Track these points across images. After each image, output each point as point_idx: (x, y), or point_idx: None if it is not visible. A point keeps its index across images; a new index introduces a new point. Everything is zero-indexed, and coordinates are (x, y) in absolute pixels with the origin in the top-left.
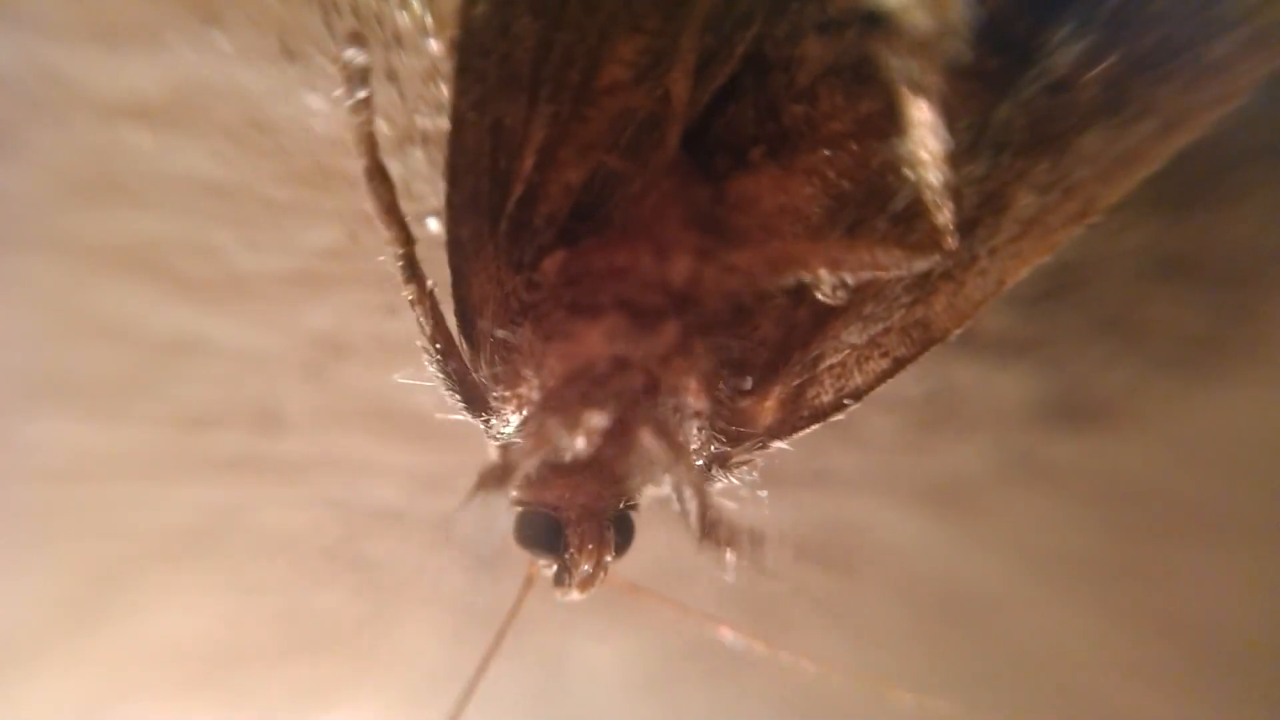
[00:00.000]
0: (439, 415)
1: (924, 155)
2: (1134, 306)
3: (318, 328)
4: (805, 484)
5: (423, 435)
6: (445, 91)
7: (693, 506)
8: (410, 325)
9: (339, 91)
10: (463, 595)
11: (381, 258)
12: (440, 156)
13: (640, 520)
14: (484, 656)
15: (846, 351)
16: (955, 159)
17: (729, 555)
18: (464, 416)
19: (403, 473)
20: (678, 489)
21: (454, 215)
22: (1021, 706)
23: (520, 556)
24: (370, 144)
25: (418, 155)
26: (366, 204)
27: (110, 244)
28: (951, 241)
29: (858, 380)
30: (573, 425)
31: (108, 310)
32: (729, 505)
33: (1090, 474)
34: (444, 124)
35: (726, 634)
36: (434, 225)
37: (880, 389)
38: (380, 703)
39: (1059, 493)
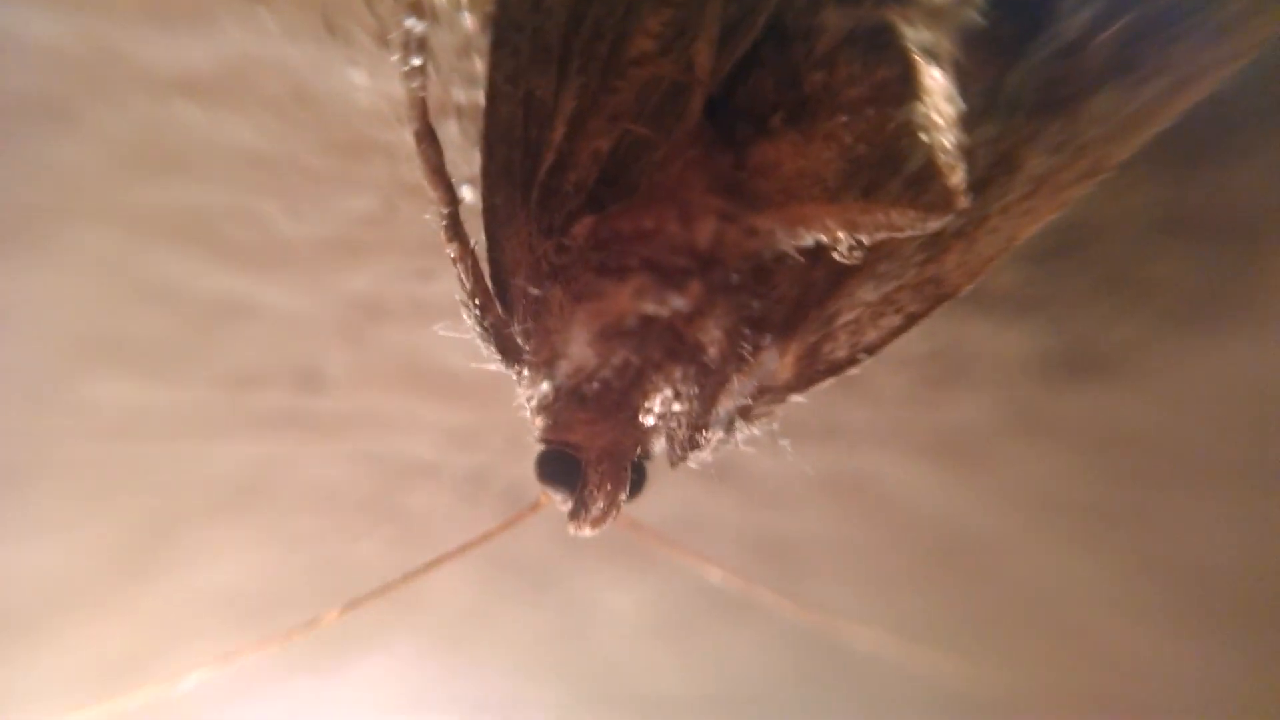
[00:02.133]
0: (474, 366)
1: (937, 119)
2: (1138, 263)
3: (356, 291)
4: (816, 437)
5: (455, 393)
6: (479, 65)
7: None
8: (443, 287)
9: (395, 58)
10: (493, 544)
11: (417, 224)
12: (473, 128)
13: (657, 472)
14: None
15: (861, 308)
16: (968, 122)
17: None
18: (498, 367)
19: (436, 428)
20: (690, 435)
21: (489, 183)
22: (1022, 649)
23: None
24: (421, 109)
25: (452, 127)
26: (411, 168)
27: (161, 213)
28: (963, 201)
29: (872, 335)
30: (599, 373)
31: (159, 276)
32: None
33: (1091, 425)
34: (477, 97)
35: (735, 581)
36: (468, 193)
37: (891, 345)
38: (414, 646)
39: (1061, 444)
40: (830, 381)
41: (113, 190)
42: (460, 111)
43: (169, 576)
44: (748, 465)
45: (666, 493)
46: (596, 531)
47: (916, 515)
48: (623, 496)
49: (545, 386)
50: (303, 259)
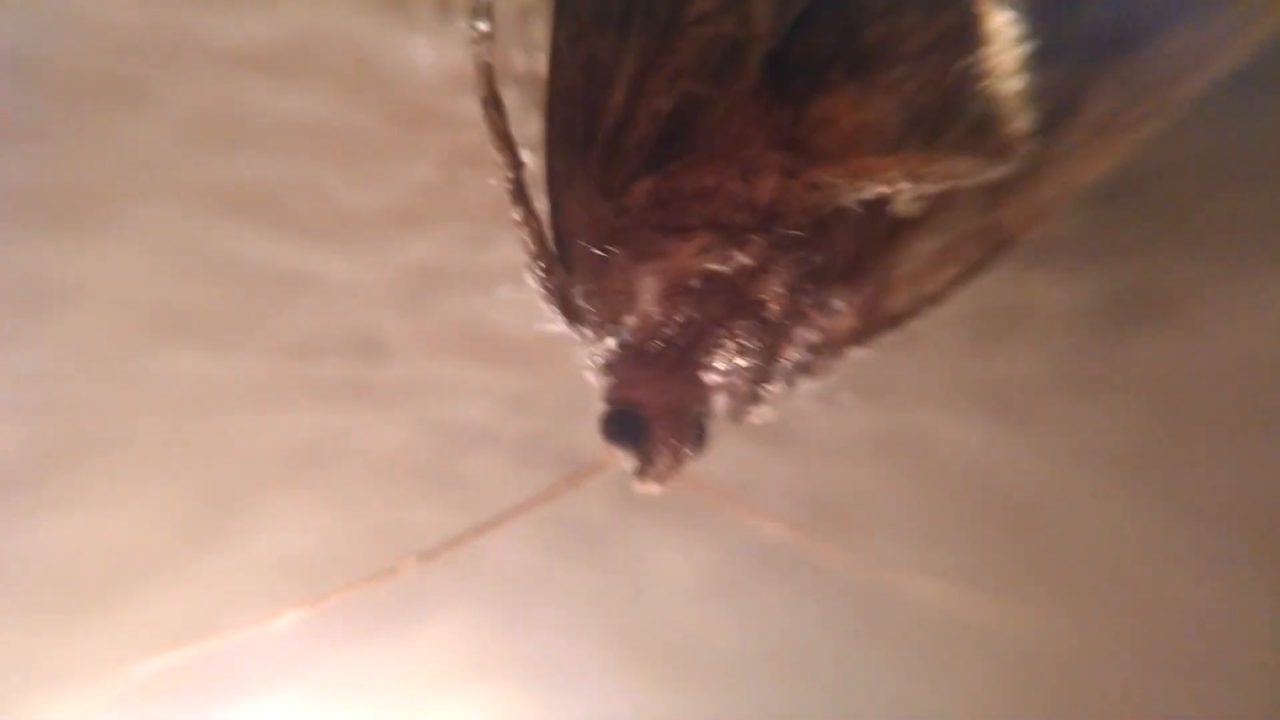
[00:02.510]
0: (531, 329)
1: (1002, 65)
2: (1194, 208)
3: (416, 260)
4: (868, 394)
5: (511, 358)
6: (538, 31)
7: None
8: (501, 254)
9: (461, 24)
10: (550, 507)
11: (476, 192)
12: (530, 94)
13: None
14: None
15: (921, 259)
16: (1031, 66)
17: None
18: (561, 329)
19: (492, 393)
20: (752, 390)
21: (550, 147)
22: (1078, 601)
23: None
24: (488, 74)
25: (511, 93)
26: (471, 137)
27: (227, 188)
28: (1026, 147)
29: (933, 286)
30: (662, 331)
31: (224, 250)
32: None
33: (1147, 376)
34: (535, 63)
35: (793, 535)
36: (528, 158)
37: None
38: (474, 611)
39: (1115, 395)
40: (891, 334)
41: (180, 167)
42: (518, 77)
43: (234, 544)
44: (799, 424)
45: (719, 452)
46: (662, 488)
47: (970, 470)
48: (687, 451)
49: (609, 344)
50: (364, 229)
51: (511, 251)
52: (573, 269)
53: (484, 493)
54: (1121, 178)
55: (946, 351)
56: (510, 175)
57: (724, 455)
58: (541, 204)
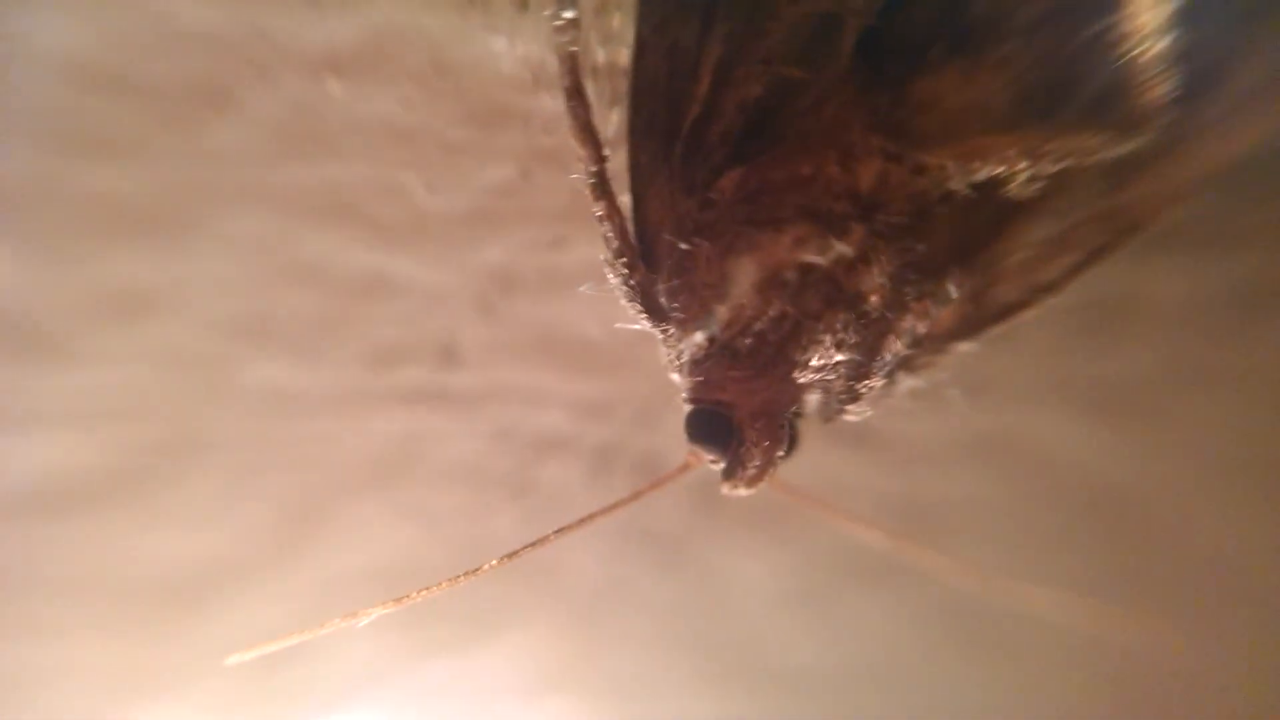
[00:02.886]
0: (613, 328)
1: (1140, 25)
2: None
3: (491, 263)
4: (964, 393)
5: (587, 365)
6: (616, 22)
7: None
8: (577, 255)
9: (546, 13)
10: (631, 516)
11: (551, 192)
12: (609, 87)
13: (810, 433)
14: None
15: (1035, 246)
16: (1174, 26)
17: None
18: (644, 327)
19: (570, 400)
20: (849, 387)
21: (634, 140)
22: (1197, 614)
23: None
24: (572, 64)
25: (589, 87)
26: (547, 135)
27: (308, 193)
28: (1161, 120)
29: (1049, 274)
30: (754, 327)
31: (305, 256)
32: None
33: (1272, 369)
34: (615, 55)
35: (886, 540)
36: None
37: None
38: (553, 622)
39: (1233, 393)
40: (1002, 327)
41: (264, 171)
42: (596, 70)
43: (320, 554)
44: (890, 424)
45: (804, 456)
46: (752, 491)
47: (1075, 474)
48: (780, 454)
49: (698, 340)
50: (441, 232)
51: (588, 252)
52: (656, 266)
53: (561, 501)
54: (1243, 158)
55: (1051, 347)
56: (593, 169)
57: (810, 457)
58: (624, 200)
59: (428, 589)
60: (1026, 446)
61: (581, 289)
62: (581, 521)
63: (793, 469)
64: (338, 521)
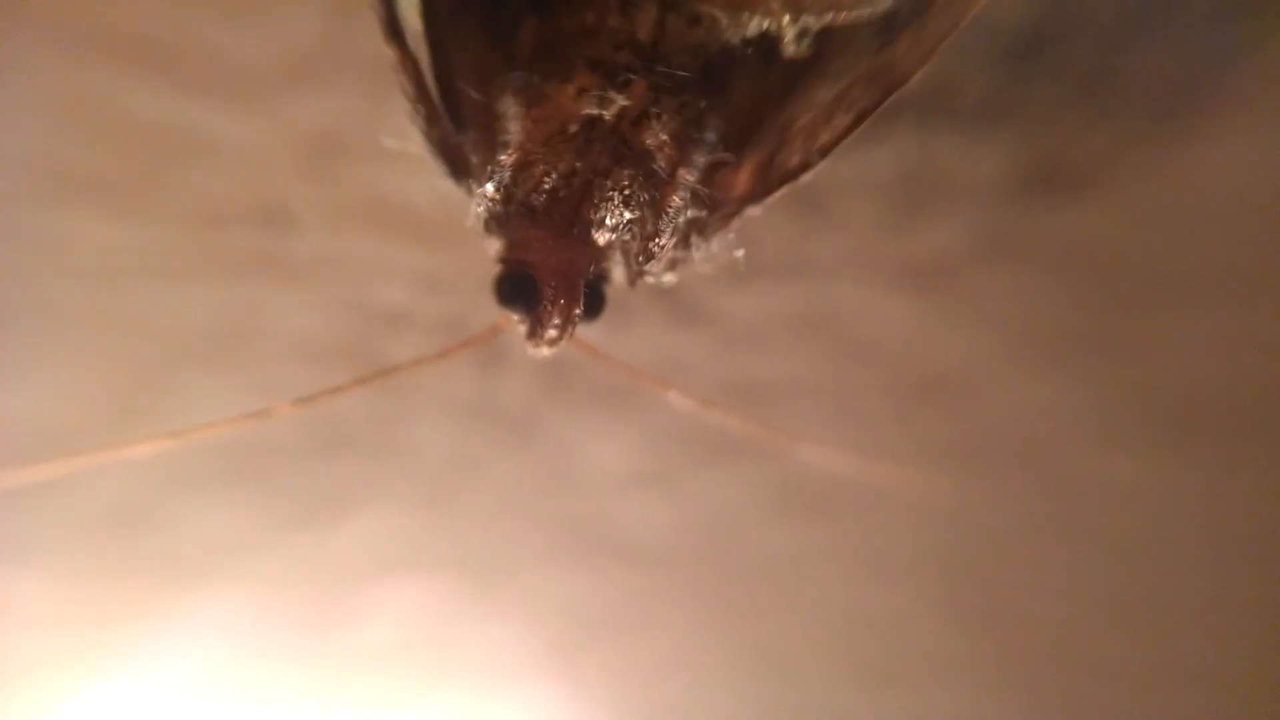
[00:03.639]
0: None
1: None
2: (1115, 56)
3: (312, 121)
4: (784, 274)
5: (424, 235)
6: None
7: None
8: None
9: None
10: (473, 393)
11: (370, 44)
12: None
13: (637, 312)
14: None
15: (816, 110)
16: None
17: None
18: (450, 183)
19: (408, 272)
20: (644, 245)
21: None
22: (1003, 479)
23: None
24: None
25: None
26: None
27: (100, 33)
28: None
29: (825, 137)
30: (545, 182)
31: (117, 104)
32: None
33: (1069, 246)
34: None
35: (720, 417)
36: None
37: (855, 170)
38: (404, 500)
39: (1036, 267)
40: (786, 189)
41: (57, 7)
42: None
43: (154, 426)
44: (714, 305)
45: (634, 335)
46: (554, 351)
47: (891, 349)
48: (577, 312)
49: (488, 191)
50: (255, 85)
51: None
52: (462, 121)
53: (405, 377)
54: (1033, 29)
55: (860, 225)
56: (380, 8)
57: (649, 338)
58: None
59: (212, 425)
60: (845, 323)
61: (384, 140)
62: (381, 373)
63: (633, 350)
64: (173, 393)
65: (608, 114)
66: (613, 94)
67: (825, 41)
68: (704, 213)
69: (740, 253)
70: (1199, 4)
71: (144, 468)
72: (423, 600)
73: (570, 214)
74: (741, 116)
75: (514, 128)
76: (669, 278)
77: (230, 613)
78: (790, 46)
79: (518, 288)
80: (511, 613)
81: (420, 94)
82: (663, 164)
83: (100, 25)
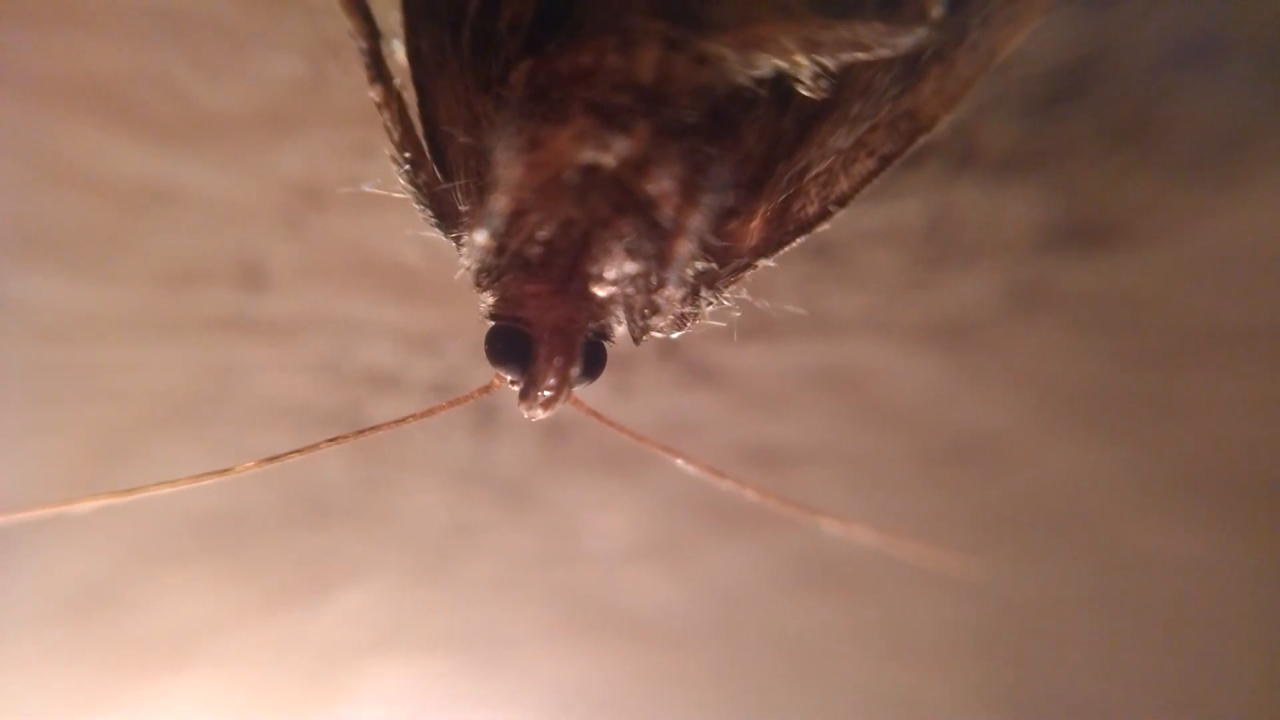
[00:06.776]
0: (437, 250)
1: None
2: (1153, 104)
3: (290, 171)
4: (801, 331)
5: (410, 291)
6: None
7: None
8: (385, 166)
9: None
10: (466, 458)
11: (349, 90)
12: None
13: (642, 371)
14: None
15: (833, 157)
16: None
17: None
18: (436, 234)
19: (394, 332)
20: (648, 300)
21: (411, 23)
22: (1039, 550)
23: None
24: None
25: None
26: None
27: (66, 83)
28: (938, 10)
29: (844, 185)
30: (541, 233)
31: (78, 154)
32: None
33: (1105, 301)
34: None
35: (731, 485)
36: (398, 47)
37: (878, 222)
38: (396, 573)
39: (1069, 322)
40: (801, 241)
41: (17, 52)
42: None
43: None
44: (725, 364)
45: (638, 395)
46: (548, 413)
47: (916, 410)
48: (574, 372)
49: (481, 241)
50: (228, 134)
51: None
52: (447, 165)
53: (398, 438)
54: (1065, 74)
55: (882, 279)
56: (364, 46)
57: (649, 401)
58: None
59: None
60: (868, 381)
61: (365, 187)
62: (361, 433)
63: (637, 411)
64: (144, 458)
65: (607, 159)
66: (613, 138)
67: (844, 83)
68: (713, 265)
69: (763, 304)
70: (1240, 52)
71: (112, 542)
72: (414, 683)
73: (568, 266)
74: (753, 162)
75: (506, 174)
76: (675, 334)
77: (208, 700)
78: (806, 87)
79: (511, 345)
80: (510, 694)
81: (406, 137)
82: (668, 213)
83: (65, 73)
